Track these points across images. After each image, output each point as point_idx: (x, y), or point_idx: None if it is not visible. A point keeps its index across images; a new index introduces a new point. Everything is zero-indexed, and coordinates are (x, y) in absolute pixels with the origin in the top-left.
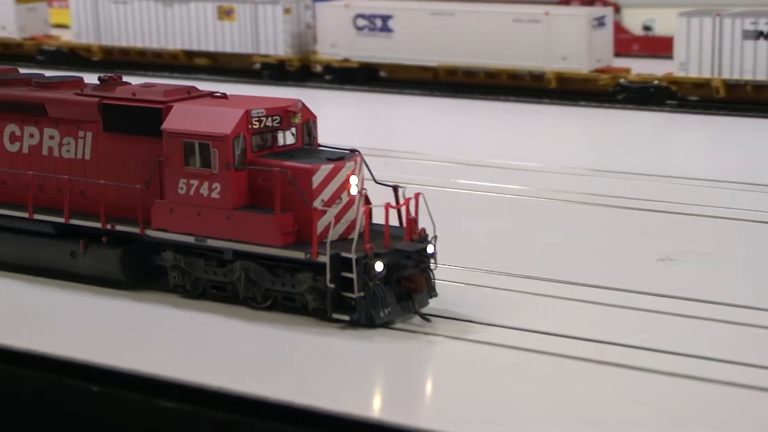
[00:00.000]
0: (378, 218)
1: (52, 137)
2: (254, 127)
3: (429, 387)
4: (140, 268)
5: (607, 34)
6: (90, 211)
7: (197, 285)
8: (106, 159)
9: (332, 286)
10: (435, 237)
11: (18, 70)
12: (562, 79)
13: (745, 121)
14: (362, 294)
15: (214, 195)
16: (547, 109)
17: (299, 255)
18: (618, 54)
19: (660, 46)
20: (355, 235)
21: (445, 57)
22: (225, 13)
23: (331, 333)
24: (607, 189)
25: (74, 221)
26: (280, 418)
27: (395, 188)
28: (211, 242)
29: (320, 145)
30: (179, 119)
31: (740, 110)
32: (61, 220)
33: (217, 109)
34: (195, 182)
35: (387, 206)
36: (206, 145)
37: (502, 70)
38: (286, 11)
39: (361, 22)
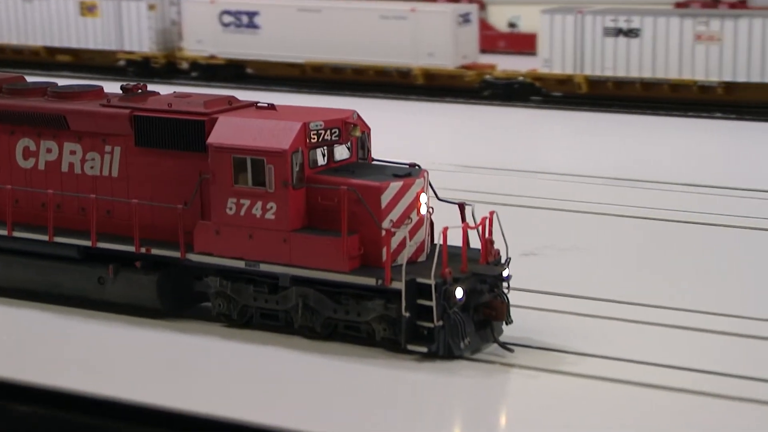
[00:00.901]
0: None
1: (73, 152)
2: (312, 141)
3: (524, 427)
4: (177, 295)
5: (473, 30)
6: (117, 233)
7: (243, 313)
8: (137, 176)
9: (407, 314)
10: (509, 259)
11: (24, 78)
12: (429, 75)
13: (607, 117)
14: (441, 323)
15: (269, 216)
16: (414, 106)
17: (369, 281)
18: (484, 50)
19: (525, 43)
20: (423, 257)
21: (312, 53)
22: (87, 9)
23: (405, 365)
24: (474, 185)
25: (103, 244)
26: None
27: (461, 205)
28: (264, 267)
29: (374, 159)
30: (227, 132)
31: (602, 106)
32: (87, 242)
33: (271, 121)
34: (246, 202)
35: (465, 227)
36: (260, 161)
37: (369, 67)
38: (151, 7)
39: (227, 19)
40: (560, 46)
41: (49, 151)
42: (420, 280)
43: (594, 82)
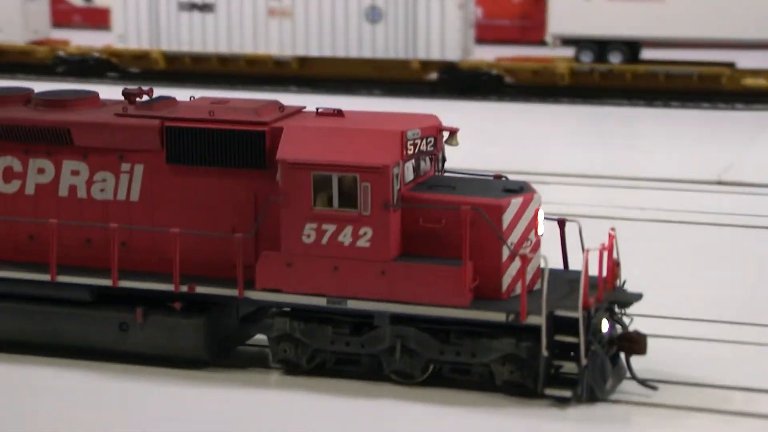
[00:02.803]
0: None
1: (76, 173)
2: (408, 152)
3: None
4: (222, 341)
5: (43, 4)
6: (136, 269)
7: (312, 359)
8: (165, 200)
9: (547, 354)
10: (624, 282)
11: None
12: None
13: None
14: (585, 362)
15: (362, 243)
16: None
17: (498, 317)
18: (59, 25)
19: (100, 18)
20: (537, 285)
21: None
22: None
23: (539, 414)
24: None
25: (127, 283)
26: None
27: (561, 222)
28: (353, 304)
29: (446, 171)
30: (300, 145)
31: (179, 81)
32: (104, 281)
33: (358, 130)
34: (330, 227)
35: (603, 249)
36: (351, 178)
37: None
38: None
39: None
40: (135, 21)
41: (40, 171)
42: (561, 312)
43: (171, 58)
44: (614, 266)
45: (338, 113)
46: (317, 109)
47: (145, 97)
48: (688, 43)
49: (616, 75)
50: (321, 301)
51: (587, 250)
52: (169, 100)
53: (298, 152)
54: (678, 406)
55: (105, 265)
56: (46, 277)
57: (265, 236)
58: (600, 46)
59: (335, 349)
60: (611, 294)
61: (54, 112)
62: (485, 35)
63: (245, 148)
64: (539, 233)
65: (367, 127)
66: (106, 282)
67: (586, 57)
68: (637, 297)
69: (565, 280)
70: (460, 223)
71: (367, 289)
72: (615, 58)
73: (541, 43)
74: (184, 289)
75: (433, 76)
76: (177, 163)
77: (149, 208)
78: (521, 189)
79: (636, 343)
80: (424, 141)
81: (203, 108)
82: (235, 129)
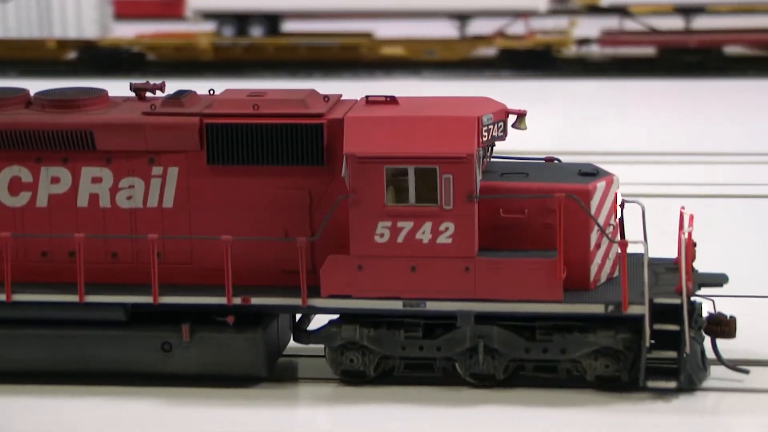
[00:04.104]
0: None
1: (97, 180)
2: (483, 139)
3: None
4: (272, 356)
5: None
6: (173, 281)
7: (378, 366)
8: (205, 204)
9: (650, 344)
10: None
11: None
12: None
13: None
14: (687, 351)
15: (443, 239)
16: None
17: (596, 309)
18: None
19: None
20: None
21: None
22: None
23: (638, 408)
24: None
25: (170, 298)
26: None
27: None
28: (432, 306)
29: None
30: (366, 137)
31: None
32: (141, 299)
33: (429, 117)
34: (407, 225)
35: (681, 233)
36: (431, 170)
37: None
38: None
39: None
40: None
41: (54, 181)
42: (661, 300)
43: None
44: (692, 247)
45: (392, 100)
46: (366, 97)
47: (158, 92)
48: (327, 14)
49: (258, 48)
50: (396, 305)
51: (688, 232)
52: (193, 95)
53: (367, 145)
54: None
55: (133, 281)
56: (74, 298)
57: (322, 239)
58: (241, 20)
59: (407, 354)
60: (697, 276)
61: (70, 114)
62: (124, 11)
63: (300, 143)
64: (618, 218)
65: (438, 113)
66: (145, 299)
67: (228, 31)
68: (724, 278)
69: (635, 264)
70: (546, 211)
71: (449, 289)
72: (256, 32)
73: (182, 18)
74: (238, 301)
75: (72, 55)
76: (220, 163)
77: (185, 215)
78: (597, 172)
79: (726, 326)
80: (496, 126)
81: (243, 102)
82: (289, 123)
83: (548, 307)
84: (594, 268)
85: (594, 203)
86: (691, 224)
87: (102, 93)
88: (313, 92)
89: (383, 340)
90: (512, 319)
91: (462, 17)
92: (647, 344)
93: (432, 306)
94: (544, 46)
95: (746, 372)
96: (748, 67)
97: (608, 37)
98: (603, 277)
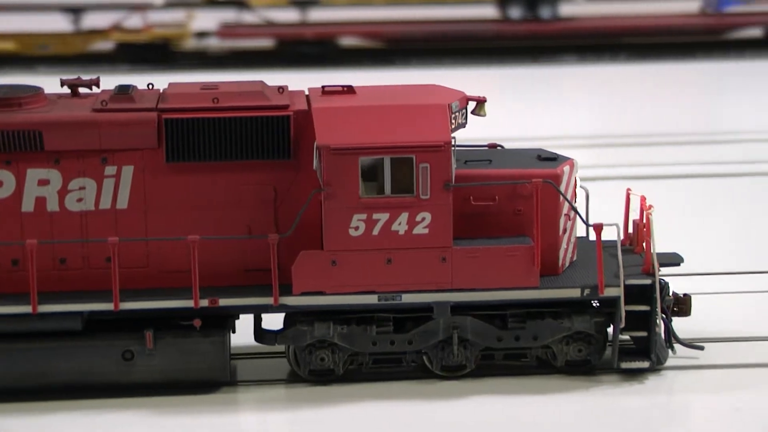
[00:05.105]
0: None
1: (44, 182)
2: (452, 127)
3: None
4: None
5: None
6: (128, 286)
7: (347, 364)
8: (164, 203)
9: (623, 325)
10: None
11: None
12: None
13: None
14: (659, 330)
15: (420, 230)
16: None
17: (572, 293)
18: None
19: None
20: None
21: None
22: None
23: (608, 391)
24: None
25: (132, 304)
26: None
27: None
28: (409, 298)
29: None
30: (337, 128)
31: None
32: (100, 306)
33: (399, 106)
34: (383, 216)
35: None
36: (407, 160)
37: None
38: None
39: None
40: None
41: None
42: (633, 281)
43: None
44: (642, 229)
45: (349, 90)
46: (323, 87)
47: (95, 88)
48: None
49: None
50: (372, 299)
51: (648, 210)
52: (139, 89)
53: (340, 136)
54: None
55: (83, 287)
56: (26, 309)
57: (290, 235)
58: None
59: (378, 350)
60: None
61: (13, 113)
62: None
63: (266, 136)
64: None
65: (408, 102)
66: (104, 306)
67: None
68: (680, 258)
69: (584, 248)
70: (517, 197)
71: (425, 280)
72: None
73: None
74: (205, 303)
75: None
76: (180, 160)
77: (141, 216)
78: (557, 156)
79: (683, 305)
80: (460, 113)
81: (200, 95)
82: (256, 116)
83: (526, 293)
84: (562, 253)
85: (562, 188)
86: (644, 206)
87: (39, 90)
88: (263, 83)
89: (354, 337)
90: (489, 308)
91: (75, 11)
92: (623, 325)
93: (408, 298)
94: (162, 40)
95: (701, 348)
96: (362, 58)
97: (227, 30)
98: (567, 262)
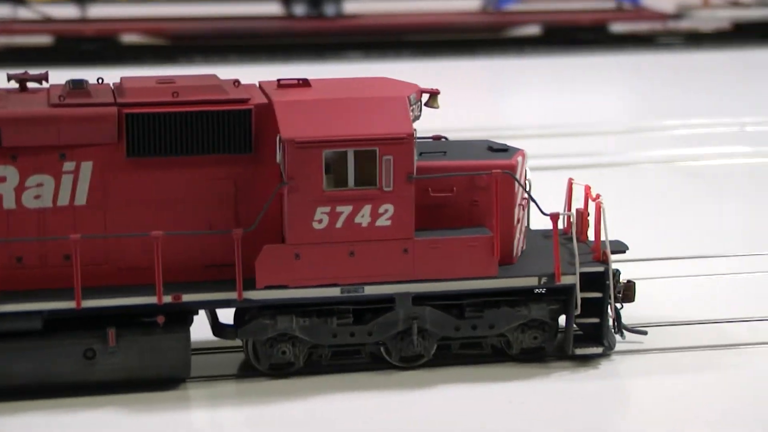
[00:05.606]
0: None
1: (1, 179)
2: (411, 119)
3: None
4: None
5: None
6: (88, 284)
7: (305, 356)
8: (123, 199)
9: (578, 312)
10: None
11: None
12: None
13: None
14: (612, 316)
15: (383, 222)
16: None
17: (530, 282)
18: None
19: None
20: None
21: None
22: None
23: (562, 377)
24: None
25: (94, 302)
26: None
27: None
28: (371, 290)
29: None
30: (300, 121)
31: None
32: (61, 304)
33: (359, 99)
34: (346, 209)
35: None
36: (370, 152)
37: None
38: None
39: None
40: None
41: None
42: (587, 269)
43: None
44: (586, 219)
45: (304, 83)
46: (278, 80)
47: (44, 83)
48: None
49: None
50: (334, 292)
51: (597, 199)
52: (93, 84)
53: (304, 129)
54: (680, 348)
55: (41, 286)
56: None
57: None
58: None
59: (338, 342)
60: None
61: None
62: None
63: (228, 130)
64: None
65: (368, 95)
66: (65, 304)
67: None
68: (624, 245)
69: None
70: (474, 188)
71: (387, 272)
72: None
73: None
74: (168, 299)
75: None
76: (140, 155)
77: (100, 212)
78: (508, 148)
79: (627, 290)
80: (417, 106)
81: (159, 89)
82: (217, 110)
83: (486, 283)
84: (516, 243)
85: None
86: (590, 194)
87: None
88: (217, 77)
89: (315, 329)
90: (449, 298)
91: None
92: (577, 313)
93: (370, 290)
94: None
95: (644, 333)
96: (144, 55)
97: (2, 26)
98: (520, 252)
